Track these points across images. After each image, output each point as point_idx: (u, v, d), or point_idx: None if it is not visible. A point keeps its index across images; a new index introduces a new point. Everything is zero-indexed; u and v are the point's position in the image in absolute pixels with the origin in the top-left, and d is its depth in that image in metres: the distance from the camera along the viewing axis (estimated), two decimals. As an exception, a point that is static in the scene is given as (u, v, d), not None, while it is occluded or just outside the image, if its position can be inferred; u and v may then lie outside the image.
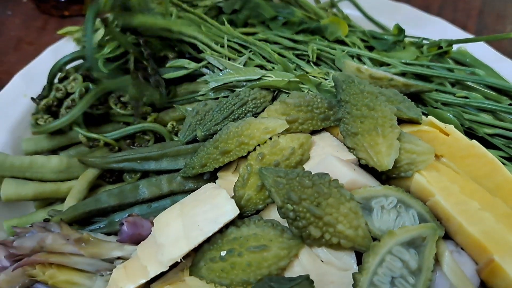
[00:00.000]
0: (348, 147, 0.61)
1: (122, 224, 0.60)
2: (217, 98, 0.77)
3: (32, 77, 0.77)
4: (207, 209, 0.55)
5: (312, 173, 0.56)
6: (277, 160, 0.60)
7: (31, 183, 0.67)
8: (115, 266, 0.58)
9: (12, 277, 0.54)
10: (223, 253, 0.53)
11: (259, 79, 0.73)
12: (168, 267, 0.54)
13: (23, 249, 0.56)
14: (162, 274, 0.59)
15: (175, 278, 0.58)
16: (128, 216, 0.60)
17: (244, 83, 0.75)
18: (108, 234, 0.63)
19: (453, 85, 0.79)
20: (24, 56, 0.92)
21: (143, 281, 0.54)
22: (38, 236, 0.56)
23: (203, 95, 0.78)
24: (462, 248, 0.56)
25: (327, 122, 0.66)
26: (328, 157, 0.58)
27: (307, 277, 0.50)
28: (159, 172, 0.69)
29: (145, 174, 0.71)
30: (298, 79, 0.72)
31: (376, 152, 0.58)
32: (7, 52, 0.98)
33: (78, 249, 0.57)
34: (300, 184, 0.54)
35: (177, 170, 0.68)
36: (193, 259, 0.56)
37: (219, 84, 0.76)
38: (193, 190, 0.63)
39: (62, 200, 0.69)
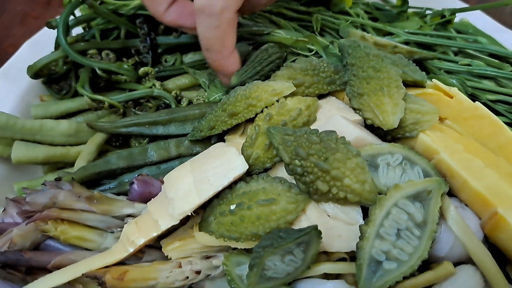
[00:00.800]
0: (354, 108, 0.62)
1: (132, 183, 0.61)
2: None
3: (39, 45, 0.77)
4: (217, 165, 0.56)
5: (320, 131, 0.57)
6: (284, 120, 0.61)
7: (42, 146, 0.68)
8: (126, 223, 0.59)
9: (25, 232, 0.56)
10: (232, 207, 0.54)
11: (268, 34, 0.74)
12: (179, 221, 0.55)
13: (35, 205, 0.57)
14: (171, 232, 0.60)
15: (184, 234, 0.59)
16: (138, 175, 0.61)
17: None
18: (118, 194, 0.64)
19: (455, 54, 0.80)
20: (30, 30, 0.93)
21: (155, 234, 0.55)
22: (50, 193, 0.57)
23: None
24: (466, 205, 0.58)
25: (333, 86, 0.67)
26: (335, 116, 0.59)
27: (315, 227, 0.51)
28: (166, 137, 0.70)
29: (152, 139, 0.72)
30: (306, 39, 0.72)
31: (382, 111, 0.59)
32: (13, 26, 0.98)
33: (89, 206, 0.58)
34: (307, 141, 0.55)
35: (184, 135, 0.69)
36: (202, 215, 0.58)
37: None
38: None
39: (71, 164, 0.70)
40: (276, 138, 0.57)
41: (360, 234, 0.53)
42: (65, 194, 0.58)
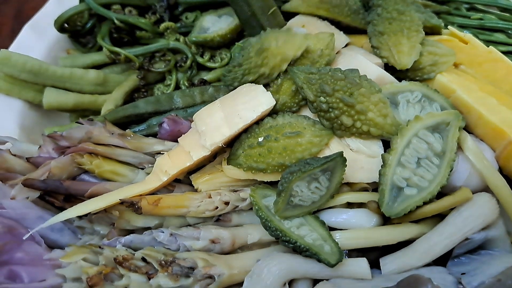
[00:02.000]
0: (373, 46, 0.65)
1: (162, 123, 0.63)
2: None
3: (65, 0, 0.80)
4: (246, 101, 0.59)
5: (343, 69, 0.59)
6: (308, 64, 0.64)
7: (71, 93, 0.71)
8: (158, 158, 0.62)
9: (62, 164, 0.58)
10: (260, 139, 0.57)
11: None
12: (209, 153, 0.58)
13: (71, 139, 0.60)
14: (200, 169, 0.63)
15: (213, 169, 0.62)
16: (168, 116, 0.64)
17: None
18: (147, 136, 0.66)
19: (468, 10, 0.82)
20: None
21: (188, 164, 0.58)
22: (86, 128, 0.60)
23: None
24: (481, 140, 0.60)
25: (356, 17, 0.69)
26: (357, 56, 0.62)
27: (341, 154, 0.54)
28: None
29: None
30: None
31: (398, 51, 0.62)
32: (32, -6, 1.01)
33: (122, 142, 0.61)
34: (332, 77, 0.58)
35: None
36: (231, 150, 0.60)
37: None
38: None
39: (98, 113, 0.73)
40: (300, 77, 0.60)
41: (382, 164, 0.56)
42: (99, 130, 0.61)
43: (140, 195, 0.57)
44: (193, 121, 0.64)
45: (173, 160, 0.58)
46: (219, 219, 0.60)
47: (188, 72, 0.76)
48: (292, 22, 0.73)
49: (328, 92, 0.57)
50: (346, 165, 0.55)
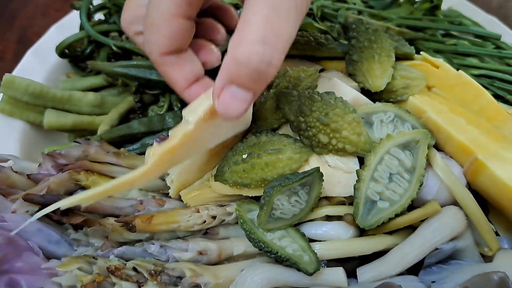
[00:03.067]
0: (349, 74, 0.70)
1: (154, 142, 0.68)
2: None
3: (66, 28, 0.85)
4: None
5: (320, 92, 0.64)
6: (289, 86, 0.69)
7: (70, 114, 0.75)
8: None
9: (60, 180, 0.62)
10: (244, 156, 0.61)
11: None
12: (194, 126, 0.53)
13: (69, 157, 0.64)
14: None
15: (201, 186, 0.66)
16: (160, 135, 0.69)
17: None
18: (140, 154, 0.71)
19: (443, 36, 0.88)
20: (52, 21, 1.00)
21: (171, 143, 0.54)
22: (83, 147, 0.65)
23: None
24: (450, 157, 0.65)
25: (326, 49, 0.75)
26: (334, 79, 0.67)
27: (317, 169, 0.58)
28: (158, 82, 0.77)
29: (146, 86, 0.79)
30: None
31: (371, 75, 0.67)
32: (36, 17, 1.07)
33: (117, 160, 0.65)
34: (310, 99, 0.63)
35: None
36: (217, 167, 0.65)
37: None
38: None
39: (95, 133, 0.78)
40: (282, 100, 0.65)
41: (356, 179, 0.60)
42: (95, 148, 0.65)
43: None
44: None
45: (160, 145, 0.59)
46: (206, 232, 0.64)
47: (180, 94, 0.81)
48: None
49: (306, 112, 0.62)
50: (323, 180, 0.59)
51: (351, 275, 0.61)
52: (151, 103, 0.82)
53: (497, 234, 0.64)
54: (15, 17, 1.13)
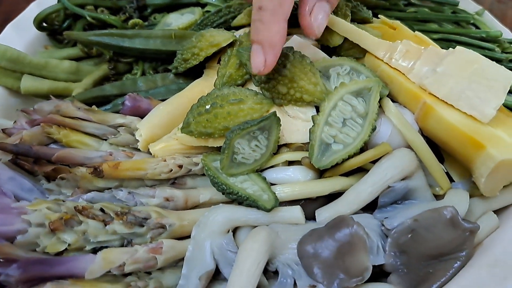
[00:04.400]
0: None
1: (124, 100, 0.72)
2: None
3: (46, 5, 0.89)
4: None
5: (280, 47, 0.68)
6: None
7: (46, 80, 0.79)
8: (118, 132, 0.70)
9: (33, 133, 0.65)
10: (207, 107, 0.65)
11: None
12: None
13: (42, 112, 0.67)
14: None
15: (169, 139, 0.70)
16: (129, 94, 0.72)
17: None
18: (112, 114, 0.74)
19: (405, 6, 0.93)
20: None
21: None
22: (55, 102, 0.68)
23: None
24: (404, 107, 0.69)
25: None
26: (294, 36, 0.71)
27: (274, 114, 0.62)
28: (131, 50, 0.80)
29: (120, 54, 0.83)
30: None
31: (329, 32, 0.71)
32: (19, 3, 1.11)
33: (87, 115, 0.68)
34: None
35: (147, 50, 0.80)
36: (183, 120, 0.68)
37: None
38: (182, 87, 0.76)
39: (71, 99, 0.81)
40: (245, 56, 0.68)
41: (312, 124, 0.63)
42: (67, 104, 0.68)
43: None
44: (151, 99, 0.73)
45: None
46: (174, 182, 0.68)
47: (153, 63, 0.85)
48: (238, 32, 0.82)
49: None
50: (280, 124, 0.63)
51: (311, 218, 0.64)
52: (125, 72, 0.86)
53: (452, 180, 0.67)
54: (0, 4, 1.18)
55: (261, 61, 0.59)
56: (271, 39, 0.59)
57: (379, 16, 0.78)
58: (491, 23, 0.90)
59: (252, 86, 0.70)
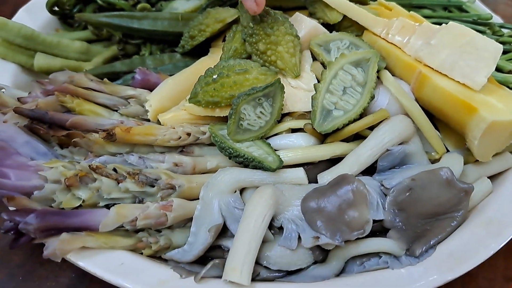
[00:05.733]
0: (310, 13, 0.78)
1: (134, 74, 0.75)
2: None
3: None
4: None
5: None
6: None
7: (59, 58, 0.82)
8: (129, 103, 0.73)
9: (48, 101, 0.68)
10: (215, 76, 0.68)
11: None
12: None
13: (56, 82, 0.71)
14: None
15: (177, 110, 0.73)
16: (139, 68, 0.75)
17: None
18: (122, 88, 0.77)
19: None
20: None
21: None
22: (69, 73, 0.71)
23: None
24: (401, 79, 0.72)
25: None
26: (296, 13, 0.75)
27: (278, 80, 0.65)
28: (139, 31, 0.84)
29: (129, 36, 0.86)
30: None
31: (329, 9, 0.75)
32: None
33: (99, 86, 0.72)
34: (266, 12, 0.70)
35: (155, 31, 0.84)
36: (191, 91, 0.71)
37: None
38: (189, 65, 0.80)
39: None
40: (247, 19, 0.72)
41: (314, 92, 0.67)
42: (80, 76, 0.72)
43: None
44: (161, 73, 0.77)
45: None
46: (182, 151, 0.71)
47: (161, 45, 0.89)
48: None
49: (257, 21, 0.69)
50: (284, 92, 0.66)
51: (313, 182, 0.66)
52: (133, 53, 0.90)
53: (448, 150, 0.71)
54: (9, -3, 1.22)
55: (253, 1, 0.66)
56: None
57: (376, -1, 0.83)
58: (482, 11, 0.95)
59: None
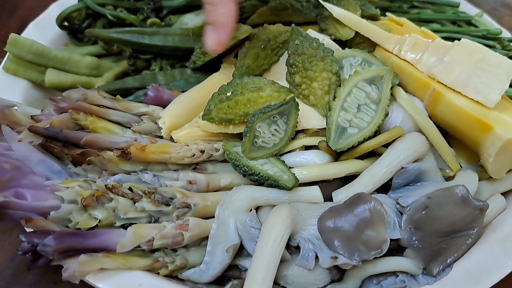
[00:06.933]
0: (321, 29, 0.79)
1: (147, 91, 0.75)
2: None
3: (65, 6, 0.93)
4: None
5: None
6: (268, 37, 0.77)
7: (70, 74, 0.82)
8: (142, 120, 0.73)
9: (61, 119, 0.68)
10: (228, 94, 0.68)
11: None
12: None
13: (69, 99, 0.70)
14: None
15: (190, 127, 0.73)
16: (152, 84, 0.76)
17: None
18: (134, 104, 0.77)
19: (408, 8, 0.98)
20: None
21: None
22: (82, 90, 0.71)
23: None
24: (413, 96, 0.73)
25: (301, 14, 0.84)
26: (309, 30, 0.76)
27: (293, 98, 0.65)
28: (150, 46, 0.84)
29: (139, 51, 0.87)
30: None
31: (341, 26, 0.76)
32: (38, 6, 1.15)
33: (112, 104, 0.72)
34: (310, 45, 0.69)
35: (165, 47, 0.84)
36: (205, 108, 0.71)
37: None
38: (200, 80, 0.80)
39: (92, 93, 0.84)
40: (299, 35, 0.71)
41: (328, 110, 0.67)
42: (94, 93, 0.72)
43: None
44: (173, 90, 0.77)
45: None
46: (195, 168, 0.70)
47: (171, 60, 0.89)
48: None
49: (300, 52, 0.69)
50: (299, 109, 0.66)
51: (328, 200, 0.66)
52: (143, 68, 0.90)
53: (460, 166, 0.71)
54: (16, 9, 1.21)
55: (214, 40, 0.64)
56: (222, 20, 0.63)
57: (386, 13, 0.83)
58: (491, 25, 0.96)
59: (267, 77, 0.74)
